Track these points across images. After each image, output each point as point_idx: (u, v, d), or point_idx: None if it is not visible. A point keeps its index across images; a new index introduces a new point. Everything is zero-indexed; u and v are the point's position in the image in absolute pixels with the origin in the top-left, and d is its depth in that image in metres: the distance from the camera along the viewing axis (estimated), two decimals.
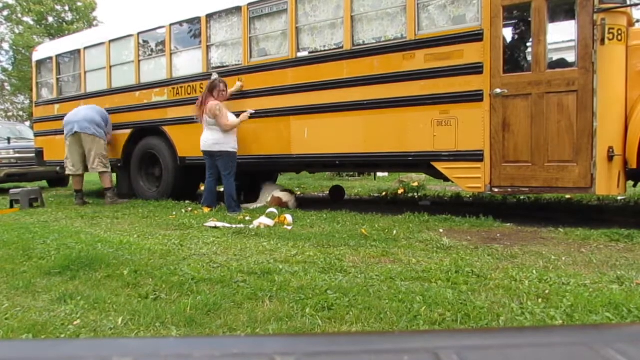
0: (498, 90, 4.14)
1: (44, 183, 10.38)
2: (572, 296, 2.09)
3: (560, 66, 4.37)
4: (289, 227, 4.16)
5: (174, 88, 6.28)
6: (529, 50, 4.57)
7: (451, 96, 4.36)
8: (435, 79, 4.45)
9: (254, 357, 0.39)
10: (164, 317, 2.03)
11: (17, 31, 23.54)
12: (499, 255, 2.98)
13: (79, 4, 24.58)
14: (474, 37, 4.24)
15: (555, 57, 5.06)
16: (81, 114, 6.33)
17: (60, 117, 6.98)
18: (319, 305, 2.08)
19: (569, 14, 4.53)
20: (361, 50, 4.87)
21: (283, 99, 5.35)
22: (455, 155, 4.39)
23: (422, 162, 4.67)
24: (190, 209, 5.45)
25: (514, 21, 5.30)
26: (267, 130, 5.52)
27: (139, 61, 6.68)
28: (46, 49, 8.35)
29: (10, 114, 26.72)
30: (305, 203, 5.99)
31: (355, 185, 9.30)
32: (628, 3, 3.97)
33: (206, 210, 5.26)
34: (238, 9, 5.64)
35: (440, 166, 4.52)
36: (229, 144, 5.23)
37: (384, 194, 7.23)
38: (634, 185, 4.51)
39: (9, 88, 25.60)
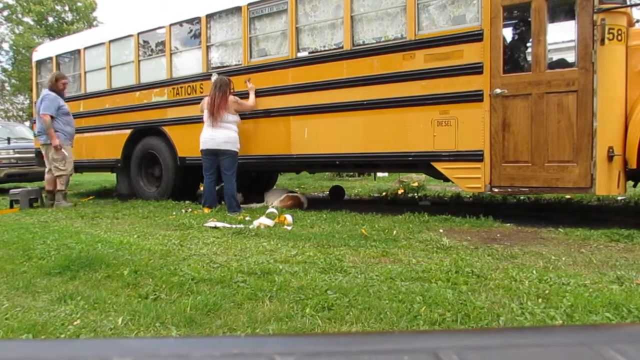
0: (498, 91, 4.14)
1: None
2: (572, 296, 2.09)
3: (560, 66, 4.37)
4: (289, 227, 4.16)
5: (174, 88, 6.28)
6: (529, 50, 4.57)
7: (451, 96, 4.37)
8: (435, 79, 4.45)
9: (253, 357, 0.39)
10: (164, 317, 2.02)
11: (17, 31, 23.55)
12: (499, 255, 2.98)
13: (79, 4, 24.60)
14: (474, 37, 4.24)
15: (555, 57, 5.06)
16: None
17: None
18: (319, 305, 2.08)
19: (569, 14, 4.53)
20: (361, 51, 4.87)
21: (283, 99, 5.36)
22: (455, 156, 4.39)
23: (422, 162, 4.67)
24: (190, 209, 5.45)
25: (514, 21, 5.30)
26: (267, 130, 5.52)
27: (139, 61, 6.69)
28: (46, 49, 8.35)
29: (10, 114, 26.72)
30: None
31: (355, 186, 9.30)
32: (628, 3, 3.97)
33: (206, 210, 5.26)
34: (238, 9, 5.65)
35: (440, 166, 4.52)
36: (237, 143, 5.25)
37: (383, 194, 7.23)
38: (634, 185, 4.51)
39: (8, 88, 25.59)
